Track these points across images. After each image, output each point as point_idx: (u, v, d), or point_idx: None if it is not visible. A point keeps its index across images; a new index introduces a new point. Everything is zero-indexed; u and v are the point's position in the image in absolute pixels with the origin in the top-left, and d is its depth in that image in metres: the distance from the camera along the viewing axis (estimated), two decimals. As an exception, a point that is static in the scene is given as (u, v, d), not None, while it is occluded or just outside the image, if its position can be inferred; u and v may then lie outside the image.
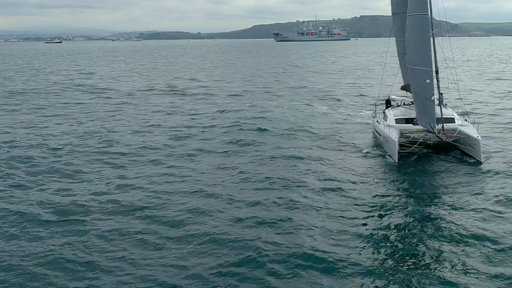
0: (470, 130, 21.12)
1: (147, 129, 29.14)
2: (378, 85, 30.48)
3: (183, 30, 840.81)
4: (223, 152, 23.13)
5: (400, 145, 22.28)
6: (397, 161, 20.47)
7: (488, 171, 19.16)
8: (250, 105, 37.59)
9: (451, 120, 22.16)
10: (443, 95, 25.68)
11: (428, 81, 19.55)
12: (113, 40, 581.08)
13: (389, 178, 18.95)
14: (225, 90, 48.80)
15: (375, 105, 26.61)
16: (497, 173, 18.90)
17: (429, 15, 20.06)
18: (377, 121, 24.46)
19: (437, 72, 20.31)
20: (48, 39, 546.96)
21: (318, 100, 40.60)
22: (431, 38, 20.14)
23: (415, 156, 21.53)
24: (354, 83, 54.06)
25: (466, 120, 23.66)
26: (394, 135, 20.98)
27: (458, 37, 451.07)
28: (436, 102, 24.95)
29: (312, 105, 37.58)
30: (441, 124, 21.15)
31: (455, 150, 22.11)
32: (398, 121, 22.82)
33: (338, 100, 40.58)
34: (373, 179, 18.69)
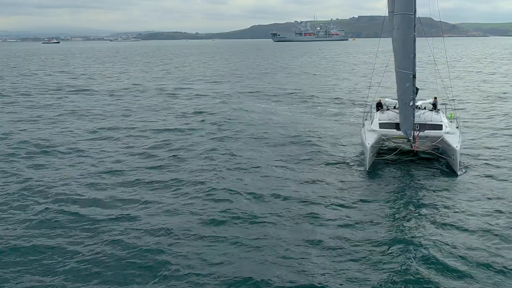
0: (452, 139, 19.70)
1: (130, 131, 28.26)
2: (371, 87, 29.34)
3: (182, 31, 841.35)
4: (203, 158, 22.12)
5: (381, 150, 21.15)
6: (367, 168, 19.44)
7: (462, 182, 17.90)
8: (235, 108, 36.55)
9: (438, 127, 20.88)
10: (437, 99, 24.40)
11: (407, 85, 18.33)
12: (111, 41, 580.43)
13: (351, 185, 17.82)
14: (212, 92, 47.76)
15: (371, 107, 25.27)
16: (471, 183, 17.70)
17: (413, 15, 18.71)
18: (363, 125, 23.31)
19: (414, 76, 18.99)
20: (45, 39, 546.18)
21: (306, 102, 39.57)
22: (413, 40, 18.72)
23: (390, 164, 20.32)
24: (346, 85, 53.04)
25: (457, 127, 22.31)
26: (369, 141, 19.88)
27: (456, 37, 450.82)
28: (430, 107, 23.77)
29: (299, 108, 36.59)
30: (417, 132, 20.06)
31: (435, 158, 20.80)
32: (382, 125, 21.62)
33: (327, 102, 39.52)
34: (334, 186, 17.69)
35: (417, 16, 21.92)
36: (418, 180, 18.37)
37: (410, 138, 20.01)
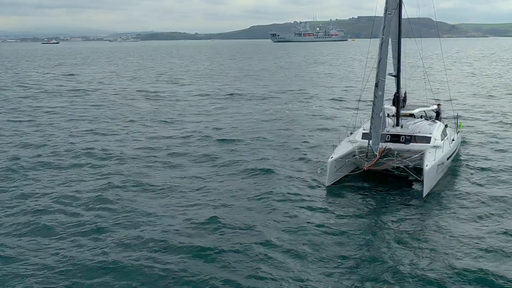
0: (430, 157, 17.22)
1: (114, 135, 27.39)
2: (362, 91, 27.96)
3: (182, 31, 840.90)
4: (191, 162, 21.47)
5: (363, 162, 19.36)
6: (326, 184, 17.56)
7: (426, 208, 15.75)
8: (226, 114, 35.43)
9: (425, 140, 18.56)
10: (441, 106, 22.23)
11: (380, 93, 16.83)
12: (110, 41, 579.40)
13: (302, 204, 16.09)
14: (202, 93, 46.80)
15: (354, 115, 23.36)
16: (438, 209, 15.62)
17: (385, 15, 17.16)
18: (350, 133, 20.88)
19: (376, 85, 16.77)
20: (45, 39, 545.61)
21: (296, 104, 38.47)
22: (382, 43, 16.93)
23: (357, 181, 18.12)
24: (341, 88, 51.91)
25: (453, 140, 20.10)
26: (335, 154, 18.04)
27: (455, 37, 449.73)
28: (433, 115, 21.79)
29: (287, 110, 35.45)
30: (384, 145, 18.10)
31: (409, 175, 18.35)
32: (365, 136, 19.04)
33: (318, 106, 38.44)
34: (284, 203, 16.11)
35: (407, 16, 20.81)
36: (374, 204, 16.22)
37: (375, 153, 17.63)
